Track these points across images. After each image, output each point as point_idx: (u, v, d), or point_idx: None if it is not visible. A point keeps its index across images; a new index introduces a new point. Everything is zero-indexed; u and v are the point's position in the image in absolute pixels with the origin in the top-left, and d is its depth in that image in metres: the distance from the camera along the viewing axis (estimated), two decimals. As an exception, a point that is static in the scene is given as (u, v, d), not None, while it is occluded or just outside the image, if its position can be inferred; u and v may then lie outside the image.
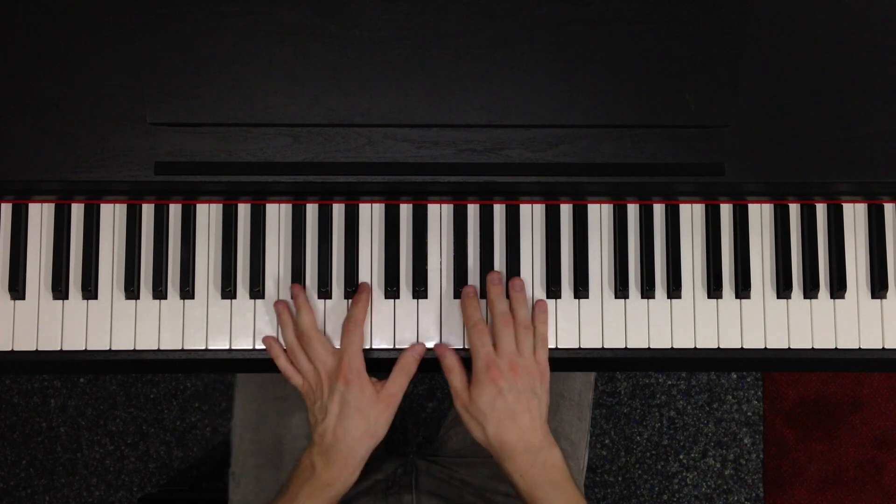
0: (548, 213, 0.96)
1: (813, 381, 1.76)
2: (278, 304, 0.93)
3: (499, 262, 0.95)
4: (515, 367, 0.88)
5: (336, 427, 0.89)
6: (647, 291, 0.95)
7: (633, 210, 0.97)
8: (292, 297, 0.93)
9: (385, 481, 1.07)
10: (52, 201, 0.95)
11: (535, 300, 0.95)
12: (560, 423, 1.09)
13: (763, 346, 0.96)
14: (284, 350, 0.93)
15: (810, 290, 0.96)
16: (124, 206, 0.95)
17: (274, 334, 0.95)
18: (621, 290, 0.95)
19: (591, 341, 0.95)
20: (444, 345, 0.94)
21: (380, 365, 0.95)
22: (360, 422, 0.89)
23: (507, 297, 0.93)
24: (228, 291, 0.94)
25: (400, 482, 1.06)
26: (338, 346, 0.92)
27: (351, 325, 0.91)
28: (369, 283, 0.95)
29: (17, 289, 0.94)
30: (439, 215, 0.96)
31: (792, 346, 0.96)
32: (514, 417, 0.87)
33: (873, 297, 0.97)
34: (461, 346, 0.95)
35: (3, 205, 0.95)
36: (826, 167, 0.91)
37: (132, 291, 0.94)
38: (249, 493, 1.07)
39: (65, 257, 0.94)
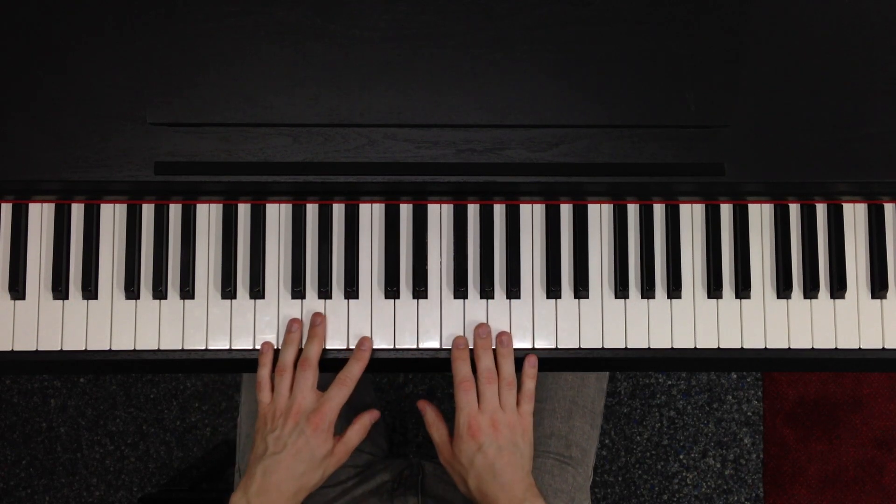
0: (548, 213, 0.96)
1: (813, 381, 1.76)
2: (294, 321, 0.94)
3: (499, 261, 0.95)
4: (496, 424, 0.89)
5: (287, 466, 0.88)
6: (647, 291, 0.95)
7: (633, 210, 0.97)
8: (312, 325, 0.94)
9: (391, 482, 1.07)
10: (52, 201, 0.95)
11: (534, 303, 0.95)
12: (572, 430, 1.09)
13: (763, 346, 0.96)
14: (273, 364, 0.93)
15: (810, 290, 0.96)
16: (124, 206, 0.95)
17: (274, 336, 0.95)
18: (621, 290, 0.95)
19: (591, 341, 0.95)
20: (425, 401, 0.95)
21: (379, 365, 0.95)
22: (308, 470, 0.89)
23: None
24: (228, 291, 0.94)
25: (406, 484, 1.06)
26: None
27: (348, 380, 0.92)
28: (370, 283, 0.95)
29: (17, 289, 0.94)
30: (439, 215, 0.96)
31: (792, 346, 0.96)
32: (494, 472, 0.88)
33: (873, 297, 0.97)
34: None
35: (3, 205, 0.95)
36: (826, 167, 0.91)
37: (132, 291, 0.94)
38: None
39: (65, 257, 0.94)
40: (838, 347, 0.96)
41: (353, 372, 0.92)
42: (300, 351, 0.93)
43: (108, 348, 0.94)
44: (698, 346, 0.95)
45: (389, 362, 0.95)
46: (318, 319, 0.94)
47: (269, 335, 0.95)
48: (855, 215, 0.97)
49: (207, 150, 0.89)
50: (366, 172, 0.90)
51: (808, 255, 0.96)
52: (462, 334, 0.95)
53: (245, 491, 0.88)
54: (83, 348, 0.94)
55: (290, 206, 0.96)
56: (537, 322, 0.95)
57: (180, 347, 0.94)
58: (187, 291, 0.94)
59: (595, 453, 1.14)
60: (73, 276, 0.95)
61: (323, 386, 0.92)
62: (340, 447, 0.92)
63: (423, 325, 0.95)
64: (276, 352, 0.94)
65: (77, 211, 0.95)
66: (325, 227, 0.95)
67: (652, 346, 0.95)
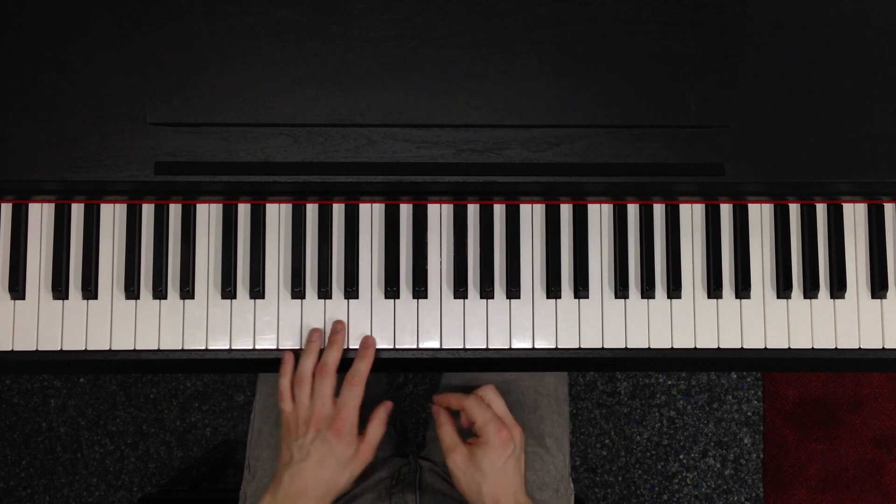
0: (548, 213, 0.96)
1: (813, 381, 1.76)
2: (315, 331, 0.94)
3: (499, 261, 0.95)
4: (516, 431, 0.92)
5: (313, 473, 0.89)
6: (647, 291, 0.95)
7: (633, 210, 0.97)
8: (333, 332, 0.94)
9: (389, 479, 1.07)
10: (52, 201, 0.95)
11: (534, 303, 0.96)
12: (541, 420, 1.10)
13: (763, 346, 0.96)
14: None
15: (810, 290, 0.96)
16: (124, 206, 0.95)
17: (273, 335, 0.95)
18: (621, 290, 0.95)
19: (591, 341, 0.95)
20: (441, 399, 0.96)
21: (379, 365, 0.95)
22: (334, 474, 0.90)
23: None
24: (228, 291, 0.94)
25: (404, 481, 1.06)
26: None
27: (356, 379, 0.92)
28: (370, 283, 0.95)
29: (17, 289, 0.94)
30: (439, 215, 0.96)
31: (792, 346, 0.96)
32: (510, 476, 0.90)
33: (873, 297, 0.97)
34: (460, 346, 0.95)
35: (3, 205, 0.95)
36: (826, 167, 0.91)
37: (132, 291, 0.94)
38: (263, 486, 1.07)
39: (65, 257, 0.94)
40: (838, 347, 0.96)
41: (361, 370, 0.93)
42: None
43: (108, 348, 0.94)
44: (698, 346, 0.95)
45: (389, 362, 0.95)
46: (338, 327, 0.94)
47: (270, 335, 0.95)
48: (855, 215, 0.97)
49: (207, 150, 0.89)
50: (366, 172, 0.90)
51: (808, 255, 0.96)
52: (461, 333, 0.95)
53: (273, 495, 0.90)
54: (83, 348, 0.94)
55: (290, 206, 0.96)
56: (537, 322, 0.95)
57: (180, 347, 0.94)
58: (187, 291, 0.94)
59: (569, 440, 1.14)
60: (73, 276, 0.95)
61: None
62: (365, 447, 0.93)
63: (423, 325, 0.95)
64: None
65: (77, 211, 0.95)
66: (325, 227, 0.95)
67: (652, 346, 0.95)
